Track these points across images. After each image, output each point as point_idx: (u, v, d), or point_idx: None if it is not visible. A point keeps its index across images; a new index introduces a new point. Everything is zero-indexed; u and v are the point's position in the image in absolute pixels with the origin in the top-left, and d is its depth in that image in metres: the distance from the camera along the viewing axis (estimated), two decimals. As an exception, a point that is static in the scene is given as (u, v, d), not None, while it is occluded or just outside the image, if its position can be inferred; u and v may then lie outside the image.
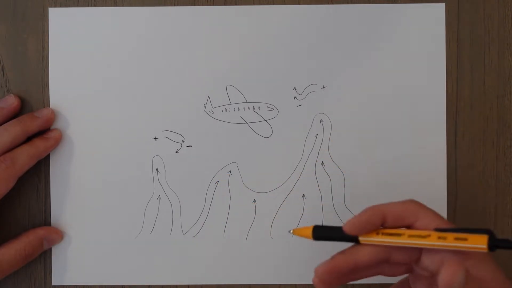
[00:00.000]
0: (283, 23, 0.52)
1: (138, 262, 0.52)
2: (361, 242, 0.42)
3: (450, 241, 0.40)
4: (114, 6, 0.52)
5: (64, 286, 0.52)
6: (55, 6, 0.52)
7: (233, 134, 0.52)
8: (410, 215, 0.42)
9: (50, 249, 0.52)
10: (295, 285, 0.52)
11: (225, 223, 0.52)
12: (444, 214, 0.52)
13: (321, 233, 0.44)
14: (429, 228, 0.41)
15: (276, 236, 0.52)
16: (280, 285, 0.52)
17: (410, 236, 0.41)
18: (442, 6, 0.52)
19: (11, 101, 0.51)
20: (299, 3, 0.52)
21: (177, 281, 0.52)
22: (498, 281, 0.41)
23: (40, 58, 0.52)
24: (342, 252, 0.42)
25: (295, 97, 0.52)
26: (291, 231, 0.46)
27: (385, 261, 0.42)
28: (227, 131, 0.52)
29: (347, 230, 0.42)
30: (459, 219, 0.52)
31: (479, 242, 0.39)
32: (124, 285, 0.52)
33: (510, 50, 0.52)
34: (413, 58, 0.52)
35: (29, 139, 0.50)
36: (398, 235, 0.41)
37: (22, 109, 0.52)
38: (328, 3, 0.52)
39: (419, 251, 0.41)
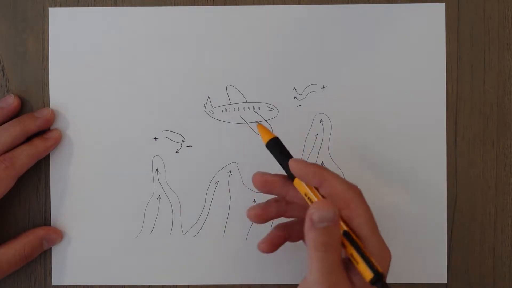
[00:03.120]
0: (283, 23, 0.52)
1: (138, 262, 0.52)
2: (295, 184, 0.44)
3: (348, 250, 0.41)
4: (114, 6, 0.52)
5: (64, 286, 0.52)
6: (55, 6, 0.52)
7: (233, 134, 0.52)
8: (343, 201, 0.42)
9: (50, 249, 0.52)
10: (295, 285, 0.52)
11: (225, 223, 0.52)
12: (444, 214, 0.52)
13: (275, 148, 0.45)
14: (353, 223, 0.42)
15: (276, 236, 0.52)
16: (280, 285, 0.52)
17: None
18: (442, 6, 0.52)
19: (11, 101, 0.51)
20: (299, 3, 0.52)
21: (177, 281, 0.52)
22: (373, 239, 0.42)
23: (40, 58, 0.52)
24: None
25: (295, 97, 0.52)
26: (257, 122, 0.50)
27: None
28: (227, 131, 0.52)
29: (291, 163, 0.44)
30: (459, 219, 0.52)
31: (364, 274, 0.40)
32: (124, 285, 0.52)
33: (510, 50, 0.52)
34: (413, 58, 0.52)
35: (29, 139, 0.51)
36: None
37: (22, 109, 0.52)
38: (328, 3, 0.52)
39: None
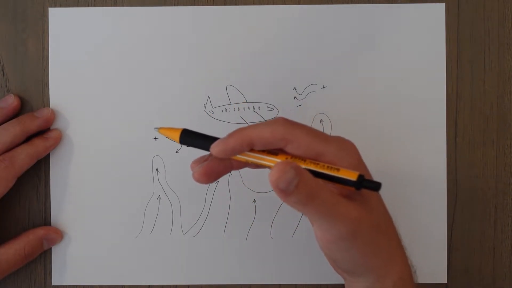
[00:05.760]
0: (283, 23, 0.52)
1: (138, 262, 0.52)
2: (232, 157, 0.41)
3: (321, 167, 0.39)
4: (114, 6, 0.52)
5: (64, 286, 0.52)
6: (55, 6, 0.52)
7: (233, 134, 0.52)
8: (279, 141, 0.40)
9: (50, 249, 0.52)
10: (295, 285, 0.52)
11: (225, 223, 0.52)
12: (444, 214, 0.52)
13: (190, 139, 0.42)
14: (300, 150, 0.39)
15: (276, 236, 0.52)
16: (280, 285, 0.52)
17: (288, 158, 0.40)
18: (442, 6, 0.52)
19: (11, 101, 0.51)
20: (299, 3, 0.52)
21: (177, 281, 0.52)
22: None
23: (40, 58, 0.52)
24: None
25: (295, 97, 0.52)
26: (157, 128, 0.43)
27: None
28: (227, 131, 0.52)
29: (215, 153, 0.40)
30: (459, 219, 0.52)
31: (349, 176, 0.38)
32: (124, 285, 0.52)
33: (510, 50, 0.52)
34: (413, 58, 0.52)
35: (29, 139, 0.51)
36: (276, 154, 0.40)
37: (22, 109, 0.52)
38: (328, 3, 0.52)
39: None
